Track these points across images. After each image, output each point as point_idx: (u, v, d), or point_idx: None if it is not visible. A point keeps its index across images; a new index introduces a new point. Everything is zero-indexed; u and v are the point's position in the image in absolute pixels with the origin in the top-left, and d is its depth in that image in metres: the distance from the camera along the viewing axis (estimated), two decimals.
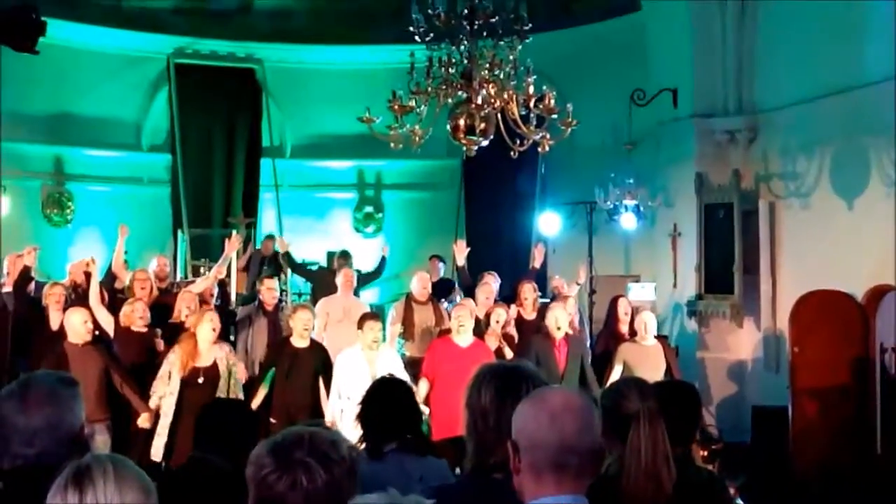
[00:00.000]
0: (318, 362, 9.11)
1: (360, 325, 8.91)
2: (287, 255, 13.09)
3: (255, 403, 8.69)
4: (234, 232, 13.48)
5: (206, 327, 8.53)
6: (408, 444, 4.57)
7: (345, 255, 13.78)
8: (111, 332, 9.25)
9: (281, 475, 2.61)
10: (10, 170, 14.22)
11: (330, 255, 14.90)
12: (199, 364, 8.48)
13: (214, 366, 8.52)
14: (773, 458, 10.40)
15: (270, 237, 14.84)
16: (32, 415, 3.24)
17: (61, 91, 15.34)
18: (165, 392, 8.44)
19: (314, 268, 14.72)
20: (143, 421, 8.59)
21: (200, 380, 8.43)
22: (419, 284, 11.14)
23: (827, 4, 11.07)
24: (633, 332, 10.27)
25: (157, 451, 8.31)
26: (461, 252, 11.65)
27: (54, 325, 9.23)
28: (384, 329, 10.57)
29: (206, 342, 8.53)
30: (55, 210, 15.83)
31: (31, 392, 3.31)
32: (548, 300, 11.36)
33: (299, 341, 9.14)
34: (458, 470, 4.93)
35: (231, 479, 3.79)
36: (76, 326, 8.65)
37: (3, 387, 3.42)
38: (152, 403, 8.52)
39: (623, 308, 10.81)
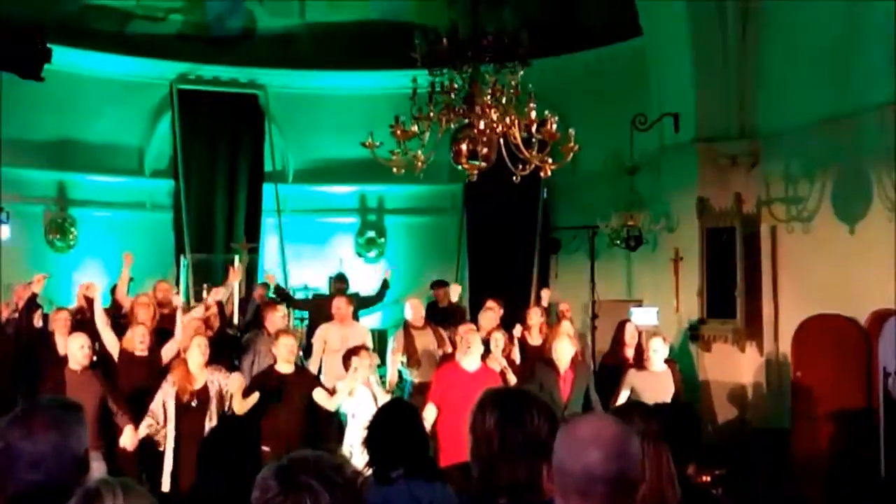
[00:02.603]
0: (307, 388, 9.09)
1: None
2: (279, 289, 13.17)
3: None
4: (236, 259, 13.51)
5: (195, 352, 8.63)
6: (416, 470, 4.55)
7: (340, 279, 13.83)
8: (116, 356, 9.26)
9: (285, 498, 2.62)
10: (12, 195, 14.25)
11: (331, 280, 14.92)
12: (193, 387, 8.56)
13: (205, 388, 8.59)
14: (776, 482, 10.38)
15: (263, 285, 14.79)
16: (38, 441, 3.24)
17: (64, 117, 15.37)
18: (156, 426, 8.49)
19: (312, 294, 14.79)
20: (126, 439, 8.57)
21: (194, 403, 8.50)
22: (412, 311, 11.18)
23: (828, 29, 11.12)
24: (638, 357, 10.30)
25: (165, 483, 8.40)
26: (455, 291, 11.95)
27: (62, 350, 9.24)
28: (384, 358, 10.62)
29: (196, 366, 8.60)
30: (58, 236, 15.82)
31: (36, 418, 3.31)
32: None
33: (285, 367, 9.10)
34: None
35: None
36: (74, 352, 8.71)
37: (7, 413, 3.41)
38: (141, 431, 8.52)
39: (629, 333, 10.85)
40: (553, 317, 12.25)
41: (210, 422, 8.45)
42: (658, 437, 3.58)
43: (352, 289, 13.91)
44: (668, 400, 9.20)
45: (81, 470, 3.29)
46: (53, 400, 3.56)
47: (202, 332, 9.52)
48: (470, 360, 9.07)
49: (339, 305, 11.20)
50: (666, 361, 9.88)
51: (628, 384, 9.55)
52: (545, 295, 12.34)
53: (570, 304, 12.75)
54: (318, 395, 9.02)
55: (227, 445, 4.80)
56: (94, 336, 9.26)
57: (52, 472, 3.22)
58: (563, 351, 9.43)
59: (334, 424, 9.35)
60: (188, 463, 8.09)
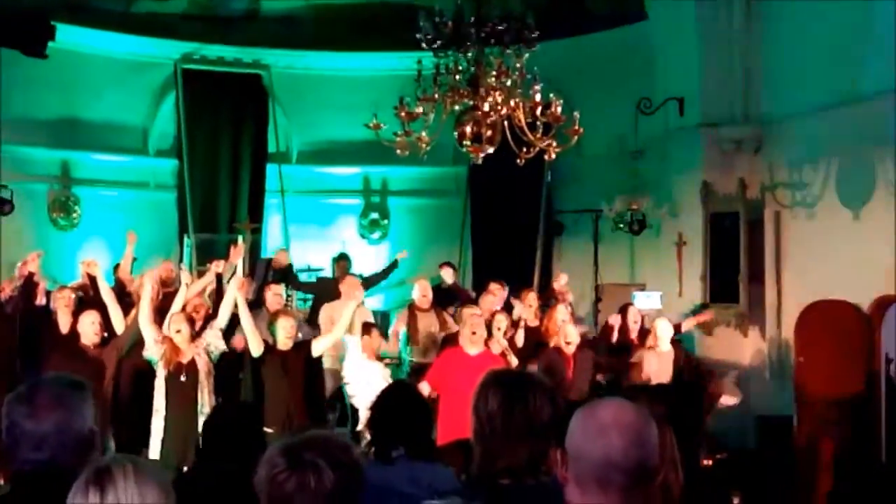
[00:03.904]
0: (305, 354, 9.18)
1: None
2: (283, 269, 13.18)
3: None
4: (239, 238, 13.50)
5: (175, 335, 8.65)
6: (417, 450, 4.56)
7: (343, 258, 13.83)
8: (120, 332, 9.29)
9: (290, 475, 2.64)
10: (16, 174, 14.26)
11: (334, 261, 14.93)
12: (181, 360, 8.61)
13: (193, 362, 8.62)
14: (778, 468, 10.40)
15: (283, 251, 14.82)
16: (41, 419, 3.22)
17: (68, 95, 15.34)
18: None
19: (315, 276, 14.78)
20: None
21: (183, 377, 8.54)
22: (420, 292, 11.19)
23: (834, 15, 11.09)
24: (641, 340, 10.41)
25: (154, 451, 8.48)
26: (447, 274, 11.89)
27: (64, 329, 9.26)
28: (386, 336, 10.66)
29: (182, 343, 8.64)
30: (61, 214, 15.80)
31: (40, 396, 3.28)
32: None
33: (283, 346, 9.12)
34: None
35: (238, 485, 3.81)
36: (85, 328, 8.79)
37: (11, 391, 3.40)
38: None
39: (632, 316, 10.93)
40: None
41: (202, 395, 8.52)
42: (663, 422, 3.58)
43: (354, 269, 13.94)
44: (667, 379, 9.41)
45: (86, 449, 3.28)
46: (58, 377, 3.53)
47: (202, 308, 9.58)
48: (474, 344, 9.06)
49: (355, 283, 11.14)
50: (672, 343, 10.09)
51: (648, 362, 9.79)
52: (563, 279, 12.25)
53: (572, 287, 12.75)
54: (318, 345, 9.21)
55: (231, 427, 4.81)
56: (101, 312, 9.29)
57: (57, 452, 3.21)
58: (572, 335, 9.52)
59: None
60: (178, 435, 8.39)
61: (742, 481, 9.56)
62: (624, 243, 14.54)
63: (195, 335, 8.78)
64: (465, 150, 9.64)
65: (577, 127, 9.27)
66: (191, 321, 8.91)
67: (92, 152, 15.97)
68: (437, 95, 9.33)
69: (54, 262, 13.42)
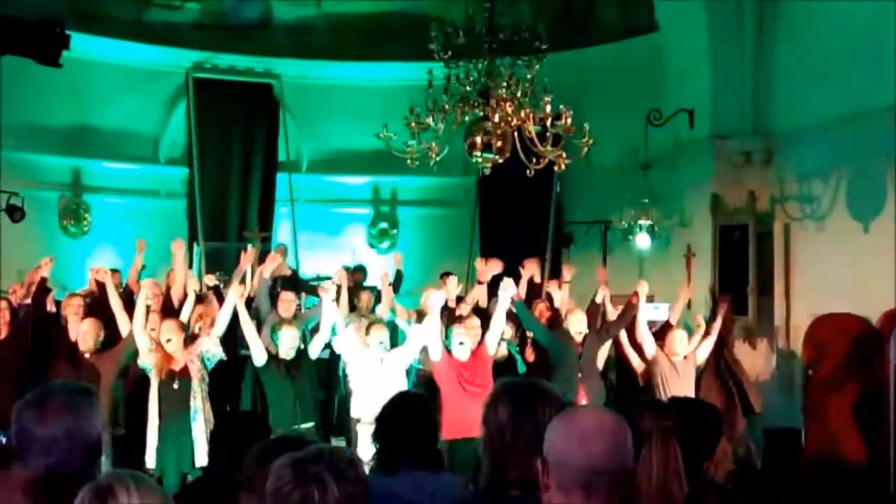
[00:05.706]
0: (307, 361, 9.31)
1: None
2: (291, 276, 13.18)
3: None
4: (249, 247, 13.52)
5: (165, 344, 8.68)
6: (422, 459, 4.56)
7: (359, 270, 13.81)
8: None
9: (295, 487, 2.65)
10: (27, 181, 14.30)
11: (345, 270, 14.92)
12: (174, 367, 8.66)
13: (186, 369, 8.66)
14: (786, 480, 10.37)
15: (282, 247, 14.81)
16: (50, 424, 3.26)
17: (80, 103, 15.39)
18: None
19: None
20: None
21: (175, 385, 8.57)
22: (428, 301, 11.21)
23: (845, 28, 11.08)
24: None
25: (150, 459, 8.55)
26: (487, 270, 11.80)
27: (73, 336, 9.27)
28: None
29: (173, 350, 8.68)
30: (72, 221, 15.85)
31: (50, 402, 3.32)
32: None
33: (285, 355, 9.20)
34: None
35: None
36: (85, 335, 8.83)
37: (21, 397, 3.42)
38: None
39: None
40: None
41: (194, 402, 8.55)
42: (669, 434, 3.58)
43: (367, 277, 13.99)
44: (690, 392, 9.42)
45: (94, 455, 3.30)
46: (67, 384, 3.57)
47: (209, 315, 9.61)
48: (462, 351, 9.07)
49: (366, 299, 11.25)
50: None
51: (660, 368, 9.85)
52: (567, 270, 12.33)
53: (580, 299, 12.73)
54: (312, 348, 9.39)
55: (239, 435, 4.82)
56: (108, 319, 9.31)
57: (65, 457, 3.23)
58: (580, 322, 9.90)
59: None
60: (172, 442, 8.49)
61: (750, 495, 9.55)
62: (633, 255, 14.52)
63: (188, 342, 8.82)
64: (474, 160, 9.66)
65: (586, 138, 9.28)
66: (183, 329, 8.94)
67: (103, 160, 16.02)
68: (447, 106, 9.35)
69: (64, 270, 13.43)
